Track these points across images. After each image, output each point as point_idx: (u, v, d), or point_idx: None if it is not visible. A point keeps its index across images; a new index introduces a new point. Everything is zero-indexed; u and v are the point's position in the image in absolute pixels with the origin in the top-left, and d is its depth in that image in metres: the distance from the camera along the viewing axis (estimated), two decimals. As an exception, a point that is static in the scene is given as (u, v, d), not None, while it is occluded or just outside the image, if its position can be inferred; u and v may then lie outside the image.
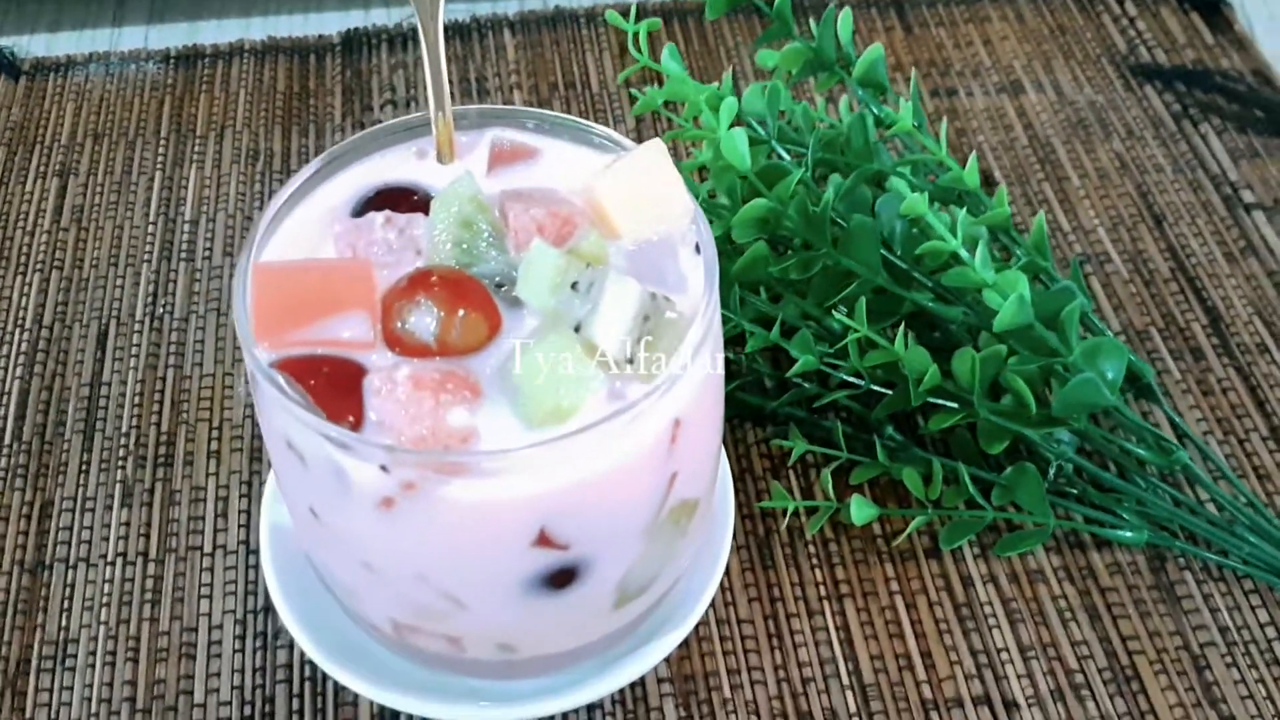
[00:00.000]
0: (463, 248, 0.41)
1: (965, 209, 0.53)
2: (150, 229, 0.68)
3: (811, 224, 0.51)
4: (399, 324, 0.39)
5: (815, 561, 0.54)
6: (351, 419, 0.38)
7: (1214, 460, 0.53)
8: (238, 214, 0.68)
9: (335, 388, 0.38)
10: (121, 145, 0.72)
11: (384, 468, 0.37)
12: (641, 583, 0.44)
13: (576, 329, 0.39)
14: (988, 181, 0.69)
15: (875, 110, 0.56)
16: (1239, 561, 0.51)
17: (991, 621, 0.52)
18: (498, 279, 0.41)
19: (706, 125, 0.52)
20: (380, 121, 0.73)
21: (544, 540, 0.39)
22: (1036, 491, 0.52)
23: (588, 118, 0.73)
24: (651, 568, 0.44)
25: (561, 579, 0.41)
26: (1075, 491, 0.54)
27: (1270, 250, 0.65)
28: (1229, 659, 0.50)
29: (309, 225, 0.43)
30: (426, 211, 0.43)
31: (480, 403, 0.38)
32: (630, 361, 0.38)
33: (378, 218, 0.42)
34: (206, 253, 0.66)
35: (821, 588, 0.53)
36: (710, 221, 0.53)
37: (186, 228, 0.68)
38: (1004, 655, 0.51)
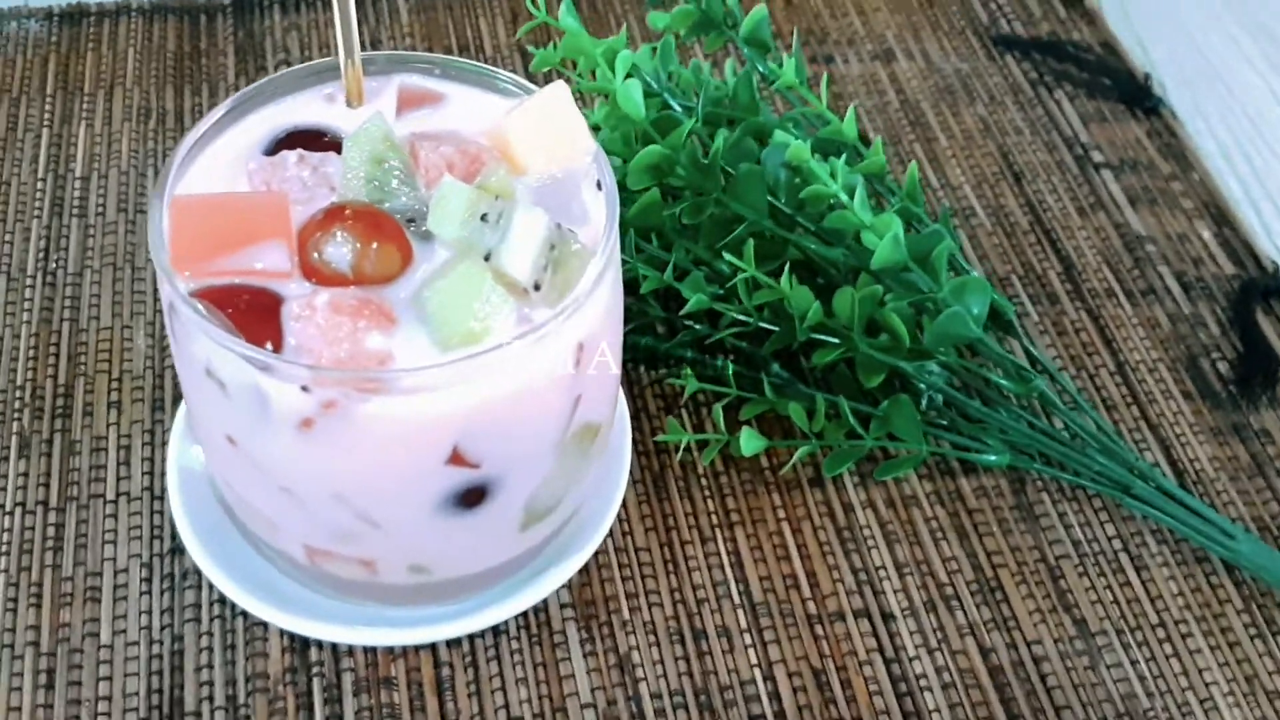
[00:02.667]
0: (375, 184, 0.43)
1: (844, 159, 0.57)
2: (39, 185, 0.67)
3: (702, 171, 0.54)
4: (316, 255, 0.41)
5: (707, 493, 0.57)
6: (270, 345, 0.40)
7: (1068, 389, 0.58)
8: (131, 171, 0.68)
9: (254, 315, 0.40)
10: (5, 102, 0.71)
11: (305, 388, 0.39)
12: (547, 504, 0.46)
13: (487, 258, 0.41)
14: (864, 140, 0.73)
15: (760, 67, 0.60)
16: (1089, 480, 0.56)
17: (870, 543, 0.56)
18: (409, 215, 0.43)
19: (603, 79, 0.54)
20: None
21: (457, 458, 0.41)
22: (911, 420, 0.56)
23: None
24: (557, 489, 0.46)
25: (472, 497, 0.43)
26: (945, 422, 0.58)
27: (1116, 205, 0.71)
28: (1080, 569, 0.55)
29: (221, 163, 0.44)
30: (338, 152, 0.44)
31: (395, 329, 0.40)
32: (537, 287, 0.41)
33: (291, 156, 0.43)
34: (99, 209, 0.66)
35: (714, 516, 0.56)
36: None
37: (78, 184, 0.67)
38: (881, 572, 0.55)
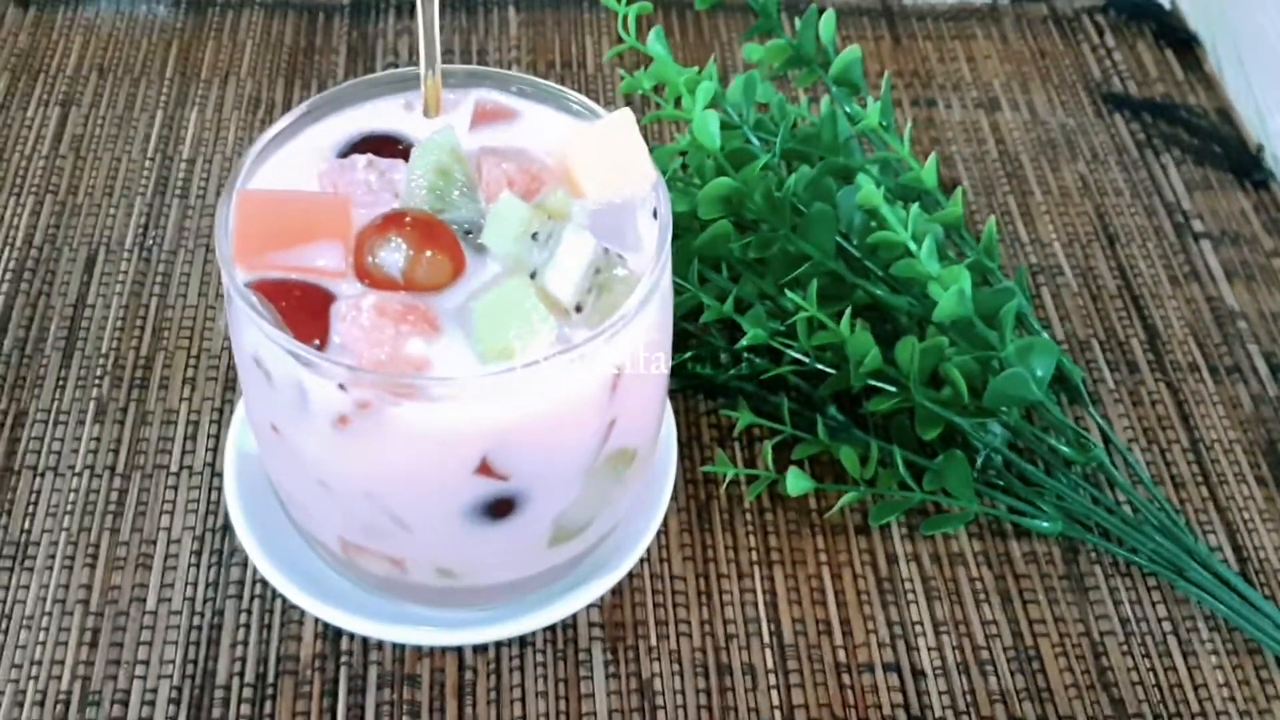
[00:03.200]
0: (437, 194, 0.44)
1: (918, 207, 0.56)
2: (147, 164, 0.70)
3: (773, 207, 0.54)
4: (370, 258, 0.42)
5: (750, 528, 0.57)
6: (317, 341, 0.41)
7: (1131, 462, 0.56)
8: (234, 157, 0.71)
9: (304, 310, 0.41)
10: (126, 82, 0.75)
11: (342, 386, 0.40)
12: (577, 523, 0.47)
13: (533, 275, 0.41)
14: (954, 187, 0.72)
15: (847, 108, 0.59)
16: (1145, 559, 0.54)
17: (910, 597, 0.55)
18: (467, 226, 0.44)
19: (685, 107, 0.55)
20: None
21: (485, 469, 0.42)
22: (964, 477, 0.55)
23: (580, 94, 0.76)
24: (587, 510, 0.46)
25: (500, 509, 0.43)
26: (1001, 483, 0.57)
27: (1212, 277, 0.68)
28: (1125, 647, 0.53)
29: (296, 162, 0.46)
30: (408, 160, 0.46)
31: (438, 337, 0.41)
32: (579, 309, 0.41)
33: (360, 159, 0.45)
34: (200, 191, 0.69)
35: (754, 553, 0.56)
36: (681, 196, 0.56)
37: (183, 166, 0.70)
38: (918, 628, 0.54)
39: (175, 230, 0.67)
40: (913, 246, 0.51)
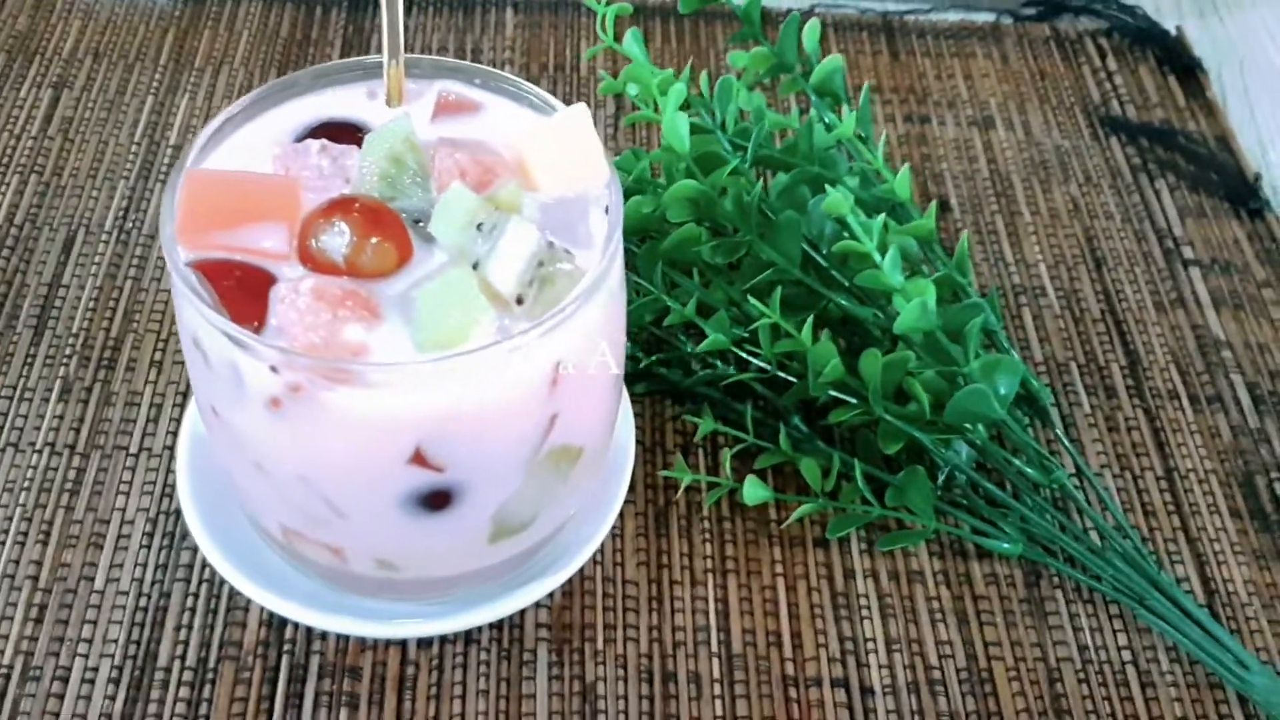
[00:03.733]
0: (388, 181, 0.44)
1: (893, 218, 0.55)
2: (134, 148, 0.70)
3: (742, 212, 0.53)
4: (313, 241, 0.42)
5: (708, 536, 0.56)
6: (255, 323, 0.40)
7: (1098, 487, 0.55)
8: (219, 145, 0.71)
9: (244, 291, 0.41)
10: (120, 67, 0.75)
11: (274, 368, 0.39)
12: (520, 519, 0.46)
13: (475, 266, 0.41)
14: (944, 207, 0.72)
15: (825, 117, 0.59)
16: (1108, 586, 0.53)
17: (864, 613, 0.54)
18: (416, 215, 0.43)
19: (660, 106, 0.54)
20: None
21: (420, 459, 0.41)
22: (924, 494, 0.54)
23: (570, 98, 0.76)
24: (530, 505, 0.46)
25: (436, 500, 0.43)
26: (965, 503, 0.56)
27: (1199, 304, 0.67)
28: (1081, 675, 0.52)
29: (251, 145, 0.46)
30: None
31: (378, 324, 0.41)
32: (520, 301, 0.41)
33: (314, 144, 0.45)
34: (182, 177, 0.69)
35: (709, 560, 0.55)
36: (650, 199, 0.55)
37: (169, 151, 0.70)
38: (870, 645, 0.53)
39: (155, 214, 0.67)
40: (877, 257, 0.51)
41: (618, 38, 0.57)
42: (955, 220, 0.71)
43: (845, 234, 0.55)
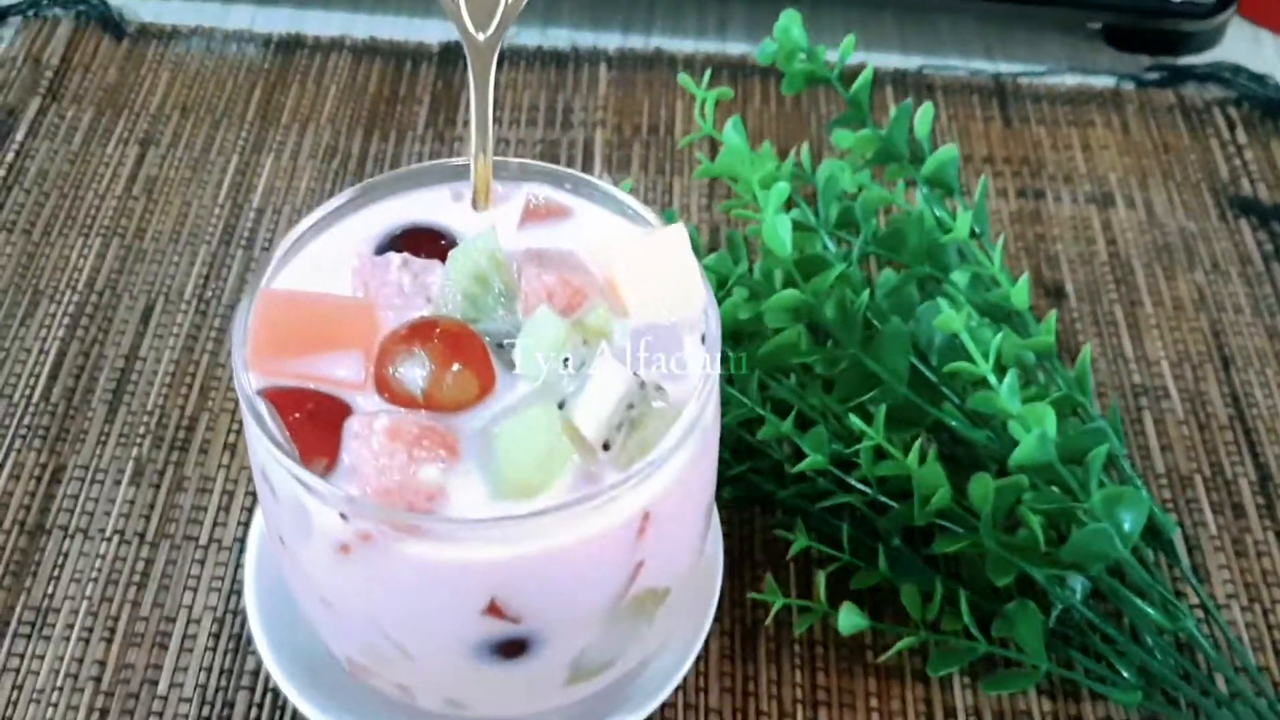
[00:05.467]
0: (472, 301, 0.41)
1: (1008, 330, 0.51)
2: (217, 210, 0.69)
3: (845, 321, 0.50)
4: (391, 370, 0.39)
5: (798, 662, 0.53)
6: (326, 460, 0.38)
7: (1223, 629, 0.50)
8: (304, 208, 0.69)
9: (316, 424, 0.38)
10: (206, 123, 0.73)
11: (343, 515, 0.37)
12: (599, 663, 0.43)
13: (561, 405, 0.38)
14: (1059, 294, 0.67)
15: (936, 212, 0.55)
16: (1236, 745, 0.49)
17: (966, 757, 0.50)
18: (500, 339, 0.41)
19: (760, 202, 0.51)
20: (460, 139, 0.74)
21: (494, 610, 0.38)
22: (1036, 632, 0.50)
23: (664, 165, 0.73)
24: (610, 650, 0.43)
25: (511, 649, 0.40)
26: (1079, 639, 0.51)
27: (1339, 415, 0.62)
28: (1204, 847, 0.48)
29: (331, 253, 0.43)
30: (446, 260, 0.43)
31: (455, 463, 0.38)
32: (606, 447, 0.38)
33: (395, 259, 0.42)
34: (266, 243, 0.67)
35: (799, 690, 0.52)
36: (747, 303, 0.52)
37: (252, 215, 0.69)
38: (971, 795, 0.49)
39: (236, 282, 0.65)
40: (993, 380, 0.47)
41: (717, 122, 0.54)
42: (1071, 310, 0.66)
43: (956, 339, 0.51)
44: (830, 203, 0.53)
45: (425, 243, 0.44)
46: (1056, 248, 0.70)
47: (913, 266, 0.53)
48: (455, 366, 0.39)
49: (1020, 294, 0.51)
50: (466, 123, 0.75)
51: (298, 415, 0.38)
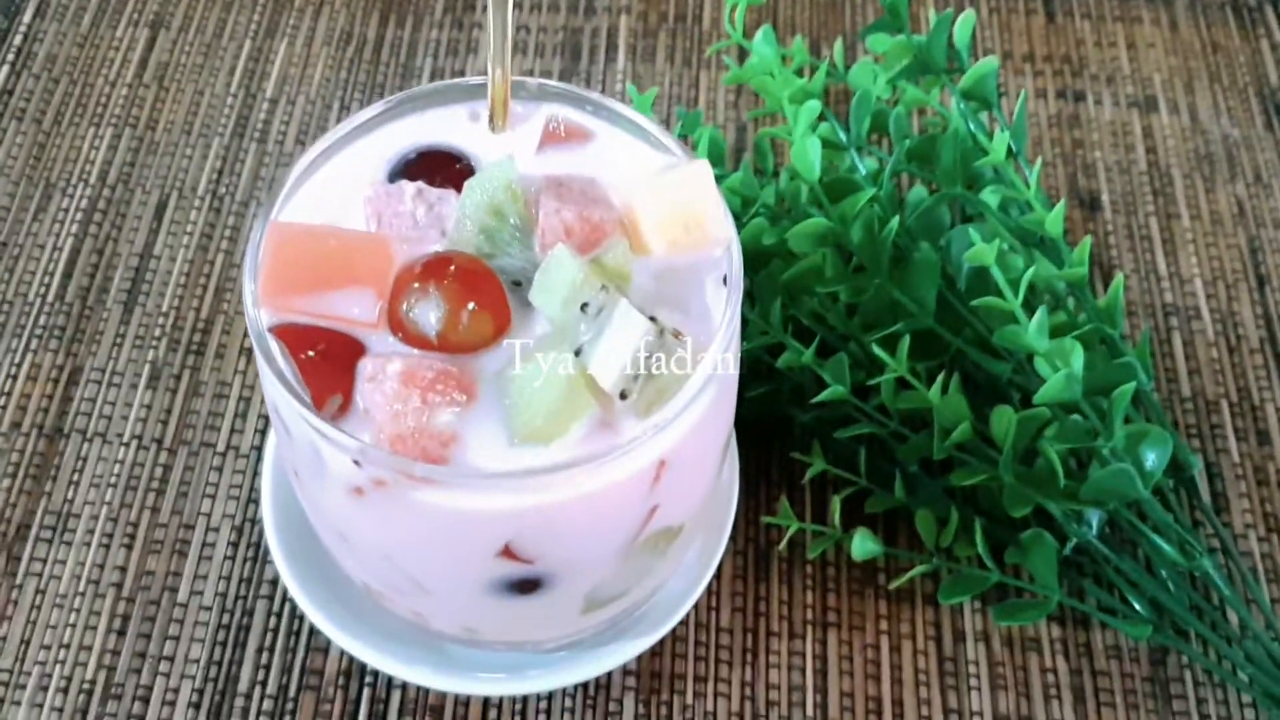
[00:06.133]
0: (488, 236, 0.40)
1: (1039, 256, 0.50)
2: (230, 100, 0.67)
3: (872, 247, 0.48)
4: (405, 310, 0.38)
5: (810, 583, 0.53)
6: (340, 396, 0.37)
7: (1239, 567, 0.50)
8: (318, 100, 0.67)
9: (330, 363, 0.38)
10: (218, 4, 0.71)
11: (357, 462, 0.37)
12: (612, 594, 0.43)
13: (577, 352, 0.37)
14: (1094, 205, 0.65)
15: (973, 127, 0.53)
16: (1244, 680, 0.49)
17: (973, 682, 0.51)
18: (516, 276, 0.40)
19: (790, 121, 0.49)
20: (479, 25, 0.72)
21: (508, 553, 0.38)
22: (1049, 563, 0.50)
23: (691, 57, 0.70)
24: (623, 583, 0.43)
25: (525, 587, 0.40)
26: (1092, 570, 0.51)
27: (1374, 342, 0.61)
28: (1205, 778, 0.49)
29: (344, 176, 0.42)
30: (466, 179, 0.41)
31: (471, 406, 0.37)
32: (624, 396, 0.37)
33: (409, 188, 0.41)
34: (280, 136, 0.66)
35: (809, 611, 0.52)
36: (772, 229, 0.50)
37: (265, 106, 0.67)
38: (976, 719, 0.50)
39: (249, 178, 0.64)
40: (1022, 317, 0.46)
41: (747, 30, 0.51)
42: (1105, 222, 0.65)
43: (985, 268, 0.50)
44: (862, 118, 0.51)
45: (441, 165, 0.42)
46: (1094, 155, 0.67)
47: (945, 187, 0.52)
48: (470, 306, 0.38)
49: (1055, 221, 0.50)
50: (485, 8, 0.72)
51: (309, 354, 0.37)
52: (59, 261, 0.61)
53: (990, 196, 0.53)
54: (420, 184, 0.41)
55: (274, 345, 0.38)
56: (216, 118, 0.66)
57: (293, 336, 0.38)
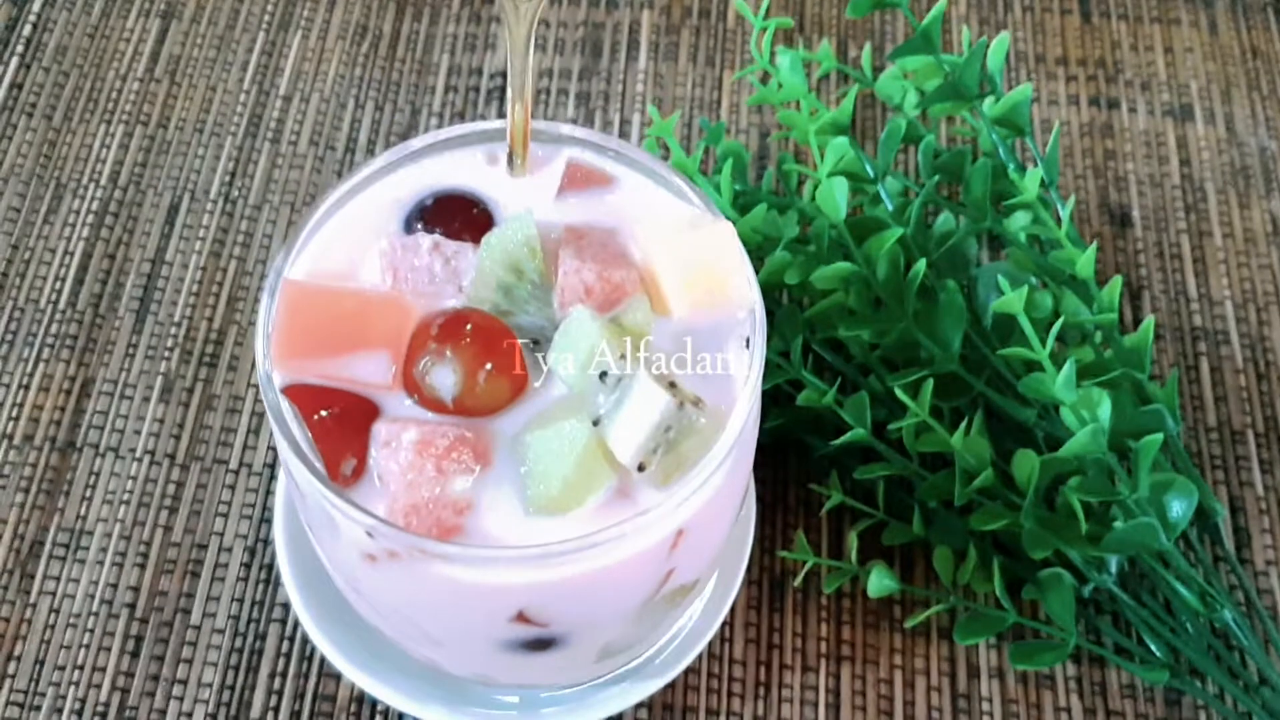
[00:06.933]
0: (505, 292, 0.39)
1: (1068, 295, 0.49)
2: (243, 97, 0.66)
3: (896, 286, 0.47)
4: (420, 373, 0.37)
5: (824, 615, 0.53)
6: (355, 460, 0.37)
7: (1261, 617, 0.50)
8: (333, 99, 0.66)
9: (343, 425, 0.37)
10: (231, -5, 0.69)
11: (369, 534, 0.36)
12: (626, 645, 0.43)
13: (596, 423, 0.36)
14: (1124, 220, 0.64)
15: (1004, 158, 0.51)
16: (1259, 730, 0.49)
17: (986, 719, 0.51)
18: (534, 335, 0.39)
19: (814, 152, 0.48)
20: (497, 20, 0.70)
21: (523, 619, 0.38)
22: (1067, 605, 0.49)
23: (714, 56, 0.69)
24: (638, 636, 0.43)
25: (540, 645, 0.40)
26: (1110, 610, 0.51)
27: (1406, 374, 0.59)
28: (1216, 831, 0.49)
29: (359, 223, 0.41)
30: (484, 226, 0.41)
31: (487, 472, 0.37)
32: (642, 469, 0.36)
33: (426, 242, 0.40)
34: (293, 137, 0.65)
35: (823, 644, 0.52)
36: (796, 268, 0.49)
37: (278, 104, 0.66)
38: (989, 760, 0.50)
39: (262, 180, 0.63)
40: (1050, 368, 0.45)
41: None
42: (1136, 240, 0.63)
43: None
44: (891, 151, 0.50)
45: (458, 211, 0.41)
46: (1127, 167, 0.66)
47: (973, 221, 0.50)
48: (487, 367, 0.37)
49: (1087, 264, 0.48)
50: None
51: (324, 415, 0.37)
52: (70, 267, 0.60)
53: (1020, 223, 0.51)
54: (437, 237, 0.40)
55: (285, 407, 0.37)
56: (229, 115, 0.65)
57: (305, 398, 0.37)
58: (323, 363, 0.37)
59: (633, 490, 0.37)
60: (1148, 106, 0.68)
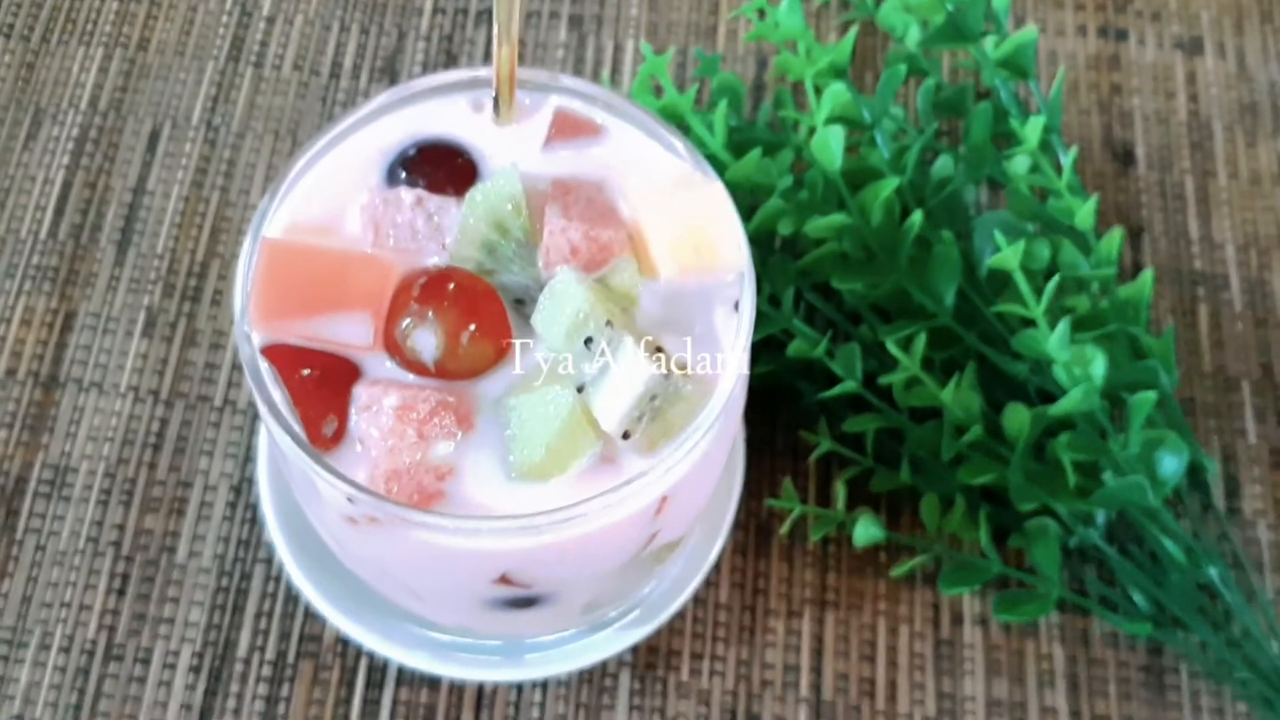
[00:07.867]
0: (489, 250, 0.38)
1: (1066, 236, 0.48)
2: (225, 18, 0.64)
3: (891, 239, 0.46)
4: (402, 335, 0.37)
5: (810, 560, 0.53)
6: (336, 421, 0.36)
7: (1247, 572, 0.50)
8: (317, 22, 0.64)
9: (323, 387, 0.36)
10: (211, -93, 0.67)
11: (350, 499, 0.36)
12: (610, 600, 0.43)
13: (580, 389, 0.36)
14: (1128, 158, 0.62)
15: (1006, 103, 0.50)
16: (1239, 684, 0.49)
17: (968, 666, 0.51)
18: (519, 295, 0.38)
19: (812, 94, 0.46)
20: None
21: (506, 580, 0.38)
22: (1052, 556, 0.49)
23: (704, 6, 0.66)
24: (622, 591, 0.43)
25: (524, 603, 0.40)
26: (1096, 558, 0.51)
27: None
28: (1193, 777, 0.49)
29: (341, 173, 0.40)
30: (468, 177, 0.39)
31: (469, 435, 0.36)
32: (626, 436, 0.36)
33: (409, 196, 0.39)
34: (276, 62, 0.63)
35: (808, 589, 0.52)
36: (790, 217, 0.48)
37: (262, 25, 0.64)
38: (969, 704, 0.50)
39: (245, 107, 0.61)
40: (1044, 325, 0.44)
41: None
42: (1138, 179, 0.62)
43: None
44: (888, 97, 0.48)
45: (442, 161, 0.40)
46: (1132, 102, 0.64)
47: (973, 167, 0.49)
48: (470, 328, 0.37)
49: (1086, 216, 0.47)
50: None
51: (305, 376, 0.36)
52: (50, 196, 0.59)
53: (1020, 167, 0.50)
54: (420, 192, 0.39)
55: (264, 368, 0.36)
56: (211, 38, 0.63)
57: (285, 358, 0.36)
58: (302, 323, 0.36)
59: (617, 456, 0.36)
60: (1156, 39, 0.66)
